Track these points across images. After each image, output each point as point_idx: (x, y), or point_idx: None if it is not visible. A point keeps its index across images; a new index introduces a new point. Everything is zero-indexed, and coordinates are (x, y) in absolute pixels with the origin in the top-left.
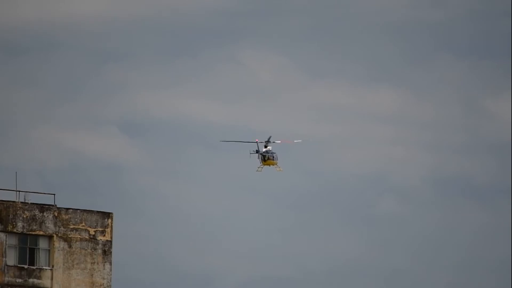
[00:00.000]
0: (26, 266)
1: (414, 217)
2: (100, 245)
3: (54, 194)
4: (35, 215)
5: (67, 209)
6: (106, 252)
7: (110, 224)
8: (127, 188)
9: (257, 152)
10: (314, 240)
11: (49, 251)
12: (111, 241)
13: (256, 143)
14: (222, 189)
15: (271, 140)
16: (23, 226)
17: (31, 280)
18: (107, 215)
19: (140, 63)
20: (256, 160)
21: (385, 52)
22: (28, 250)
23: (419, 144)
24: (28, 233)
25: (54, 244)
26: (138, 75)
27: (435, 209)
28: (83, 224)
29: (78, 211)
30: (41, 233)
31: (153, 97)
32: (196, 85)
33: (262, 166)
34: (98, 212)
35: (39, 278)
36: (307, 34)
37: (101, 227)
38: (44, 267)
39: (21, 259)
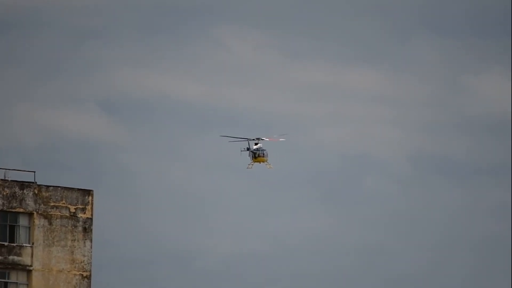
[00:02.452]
0: (6, 243)
1: (395, 195)
2: (80, 223)
3: (34, 172)
4: (15, 192)
5: (48, 186)
6: (87, 230)
7: (90, 201)
8: (107, 165)
9: (248, 149)
10: (296, 218)
11: (29, 228)
12: (91, 219)
13: (246, 141)
14: (203, 167)
15: (260, 138)
16: (3, 203)
17: (11, 257)
18: (88, 192)
19: (119, 41)
20: (247, 157)
21: (366, 31)
22: (8, 227)
23: (401, 122)
24: (8, 210)
25: (34, 221)
26: (117, 53)
27: (417, 188)
28: (64, 201)
29: (59, 188)
30: (21, 210)
31: (133, 75)
32: (175, 63)
33: (252, 163)
34: (78, 189)
35: (19, 255)
36: (287, 12)
37: (81, 204)
38: (24, 244)
39: (1, 236)
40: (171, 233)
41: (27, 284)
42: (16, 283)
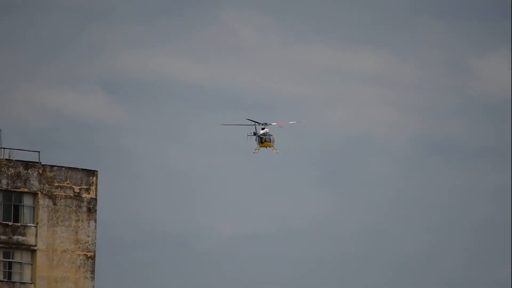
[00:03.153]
0: (10, 223)
1: (397, 178)
2: (85, 203)
3: (39, 152)
4: (19, 172)
5: (52, 166)
6: (91, 210)
7: (95, 181)
8: (110, 146)
9: (255, 134)
10: (297, 201)
11: (34, 208)
12: (96, 199)
13: (254, 125)
14: (206, 148)
15: (267, 123)
16: (7, 183)
17: (15, 237)
18: (92, 172)
19: (122, 23)
20: (254, 142)
21: (368, 14)
22: (12, 207)
23: (403, 105)
24: (12, 190)
25: (38, 201)
26: (120, 34)
27: (419, 170)
28: (68, 181)
29: (63, 168)
30: (25, 190)
31: (136, 57)
32: (178, 45)
33: (259, 148)
34: (83, 169)
35: (23, 235)
36: None
37: (86, 184)
38: (28, 224)
39: (6, 216)
40: (173, 214)
41: (31, 264)
42: (21, 262)
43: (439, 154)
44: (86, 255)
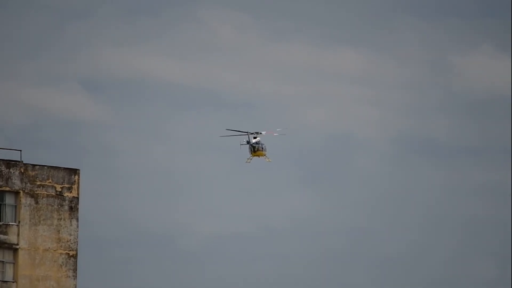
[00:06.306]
0: None
1: (379, 176)
2: (66, 202)
3: (21, 150)
4: (1, 171)
5: (34, 165)
6: (73, 209)
7: (77, 180)
8: (90, 145)
9: (248, 143)
10: (279, 200)
11: (16, 207)
12: (78, 198)
13: (246, 135)
14: (186, 146)
15: (258, 132)
16: None
17: None
18: (74, 171)
19: (103, 21)
20: (246, 151)
21: (347, 13)
22: None
23: (385, 103)
24: None
25: (20, 200)
26: (101, 33)
27: (400, 169)
28: (50, 180)
29: (45, 167)
30: (7, 189)
31: (116, 55)
32: (157, 43)
33: (251, 157)
34: (65, 168)
35: (5, 234)
36: None
37: (67, 183)
38: (10, 223)
39: None
40: (155, 212)
41: (13, 263)
42: (3, 261)
43: (421, 152)
44: (68, 253)
